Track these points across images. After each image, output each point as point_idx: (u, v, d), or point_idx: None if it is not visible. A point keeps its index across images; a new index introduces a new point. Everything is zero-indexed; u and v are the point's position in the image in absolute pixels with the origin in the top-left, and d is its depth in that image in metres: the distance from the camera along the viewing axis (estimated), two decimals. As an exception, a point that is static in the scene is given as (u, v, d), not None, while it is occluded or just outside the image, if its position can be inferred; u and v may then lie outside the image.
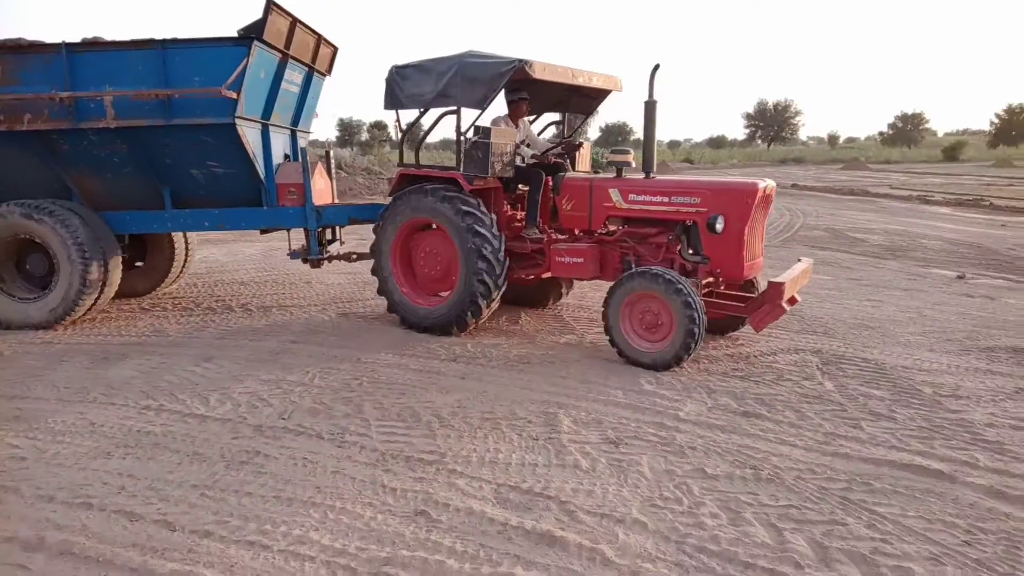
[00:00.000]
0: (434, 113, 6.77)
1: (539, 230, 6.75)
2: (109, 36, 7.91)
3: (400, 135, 7.17)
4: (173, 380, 5.46)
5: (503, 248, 6.43)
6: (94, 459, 4.08)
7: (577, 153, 7.36)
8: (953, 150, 53.26)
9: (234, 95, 6.41)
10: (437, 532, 3.29)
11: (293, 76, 7.60)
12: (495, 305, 6.63)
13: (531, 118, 7.89)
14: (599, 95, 7.56)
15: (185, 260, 8.83)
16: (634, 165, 6.49)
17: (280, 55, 7.08)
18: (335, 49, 8.39)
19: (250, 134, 6.88)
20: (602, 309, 5.89)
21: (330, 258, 7.77)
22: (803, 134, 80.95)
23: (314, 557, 3.07)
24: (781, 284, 5.55)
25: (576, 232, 6.72)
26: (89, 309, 7.09)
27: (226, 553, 3.10)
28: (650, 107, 6.05)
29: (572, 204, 6.58)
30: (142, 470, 3.93)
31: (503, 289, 6.56)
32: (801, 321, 7.18)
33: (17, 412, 4.84)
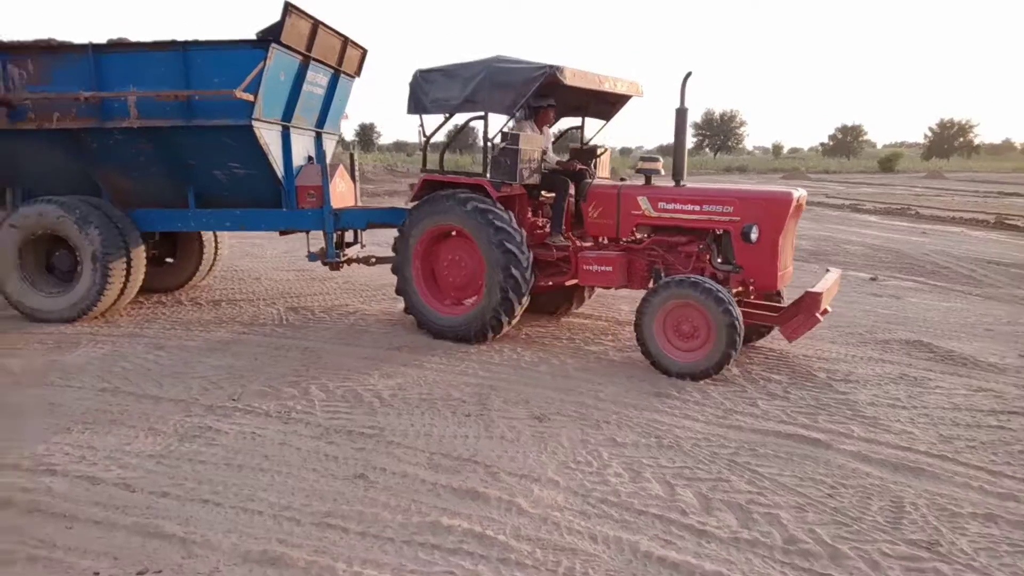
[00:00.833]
0: (459, 119, 6.81)
1: (564, 237, 6.71)
2: (140, 37, 7.99)
3: (424, 140, 7.14)
4: (127, 366, 5.73)
5: (531, 267, 6.33)
6: (55, 434, 4.37)
7: (597, 160, 7.27)
8: (889, 161, 55.61)
9: (250, 97, 6.48)
10: (374, 491, 3.71)
11: (317, 78, 7.64)
12: (516, 320, 6.56)
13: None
14: (619, 101, 7.50)
15: (215, 257, 8.96)
16: (663, 173, 6.41)
17: (301, 57, 7.12)
18: (364, 51, 8.38)
19: (268, 136, 6.94)
20: (635, 318, 5.77)
21: (348, 261, 7.80)
22: (749, 144, 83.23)
23: (263, 512, 3.46)
24: (818, 294, 5.53)
25: (601, 240, 6.64)
26: (113, 304, 7.24)
27: (182, 509, 3.47)
28: (681, 115, 5.98)
29: (599, 212, 6.45)
30: (100, 443, 4.25)
31: (525, 306, 6.51)
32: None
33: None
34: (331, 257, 7.53)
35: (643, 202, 6.23)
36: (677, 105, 5.96)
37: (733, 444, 4.35)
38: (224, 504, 3.52)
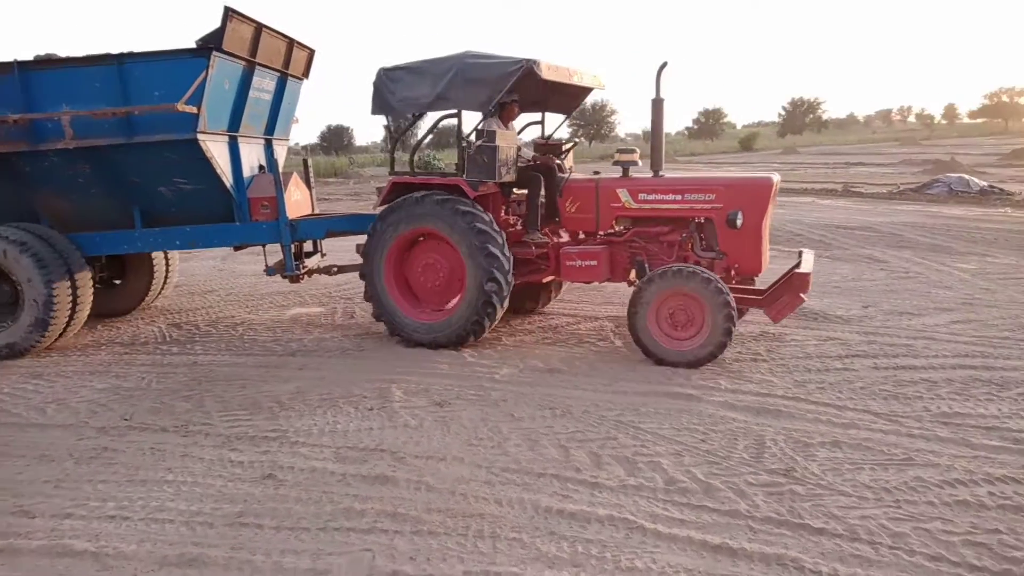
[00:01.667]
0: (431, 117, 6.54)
1: (541, 234, 6.57)
2: (80, 51, 7.31)
3: (391, 141, 6.77)
4: (3, 398, 5.48)
5: (511, 269, 6.17)
6: (-67, 473, 4.18)
7: (565, 153, 7.12)
8: (748, 141, 59.31)
9: (194, 109, 6.14)
10: (284, 488, 3.82)
11: (263, 84, 7.28)
12: (497, 323, 6.36)
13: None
14: (582, 93, 7.36)
15: (166, 276, 8.47)
16: (640, 164, 6.41)
17: (245, 63, 6.76)
18: (311, 52, 8.02)
19: (215, 148, 6.60)
20: (629, 309, 5.71)
21: (309, 272, 7.51)
22: (621, 131, 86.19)
23: (173, 520, 3.51)
24: (807, 275, 5.55)
25: (579, 234, 6.65)
26: (62, 333, 6.74)
27: (89, 527, 3.45)
28: (657, 105, 6.01)
29: (576, 206, 6.42)
30: (-12, 476, 4.10)
31: (505, 308, 6.32)
32: (602, 295, 8.27)
33: None
34: (289, 270, 7.19)
35: (623, 194, 6.21)
36: (653, 96, 5.99)
37: (619, 407, 4.76)
38: (133, 517, 3.53)
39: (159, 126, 6.31)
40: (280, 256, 7.20)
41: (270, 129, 7.76)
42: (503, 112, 6.60)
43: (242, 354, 6.45)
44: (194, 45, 6.26)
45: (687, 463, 3.91)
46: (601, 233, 6.47)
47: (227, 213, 7.03)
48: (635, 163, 6.35)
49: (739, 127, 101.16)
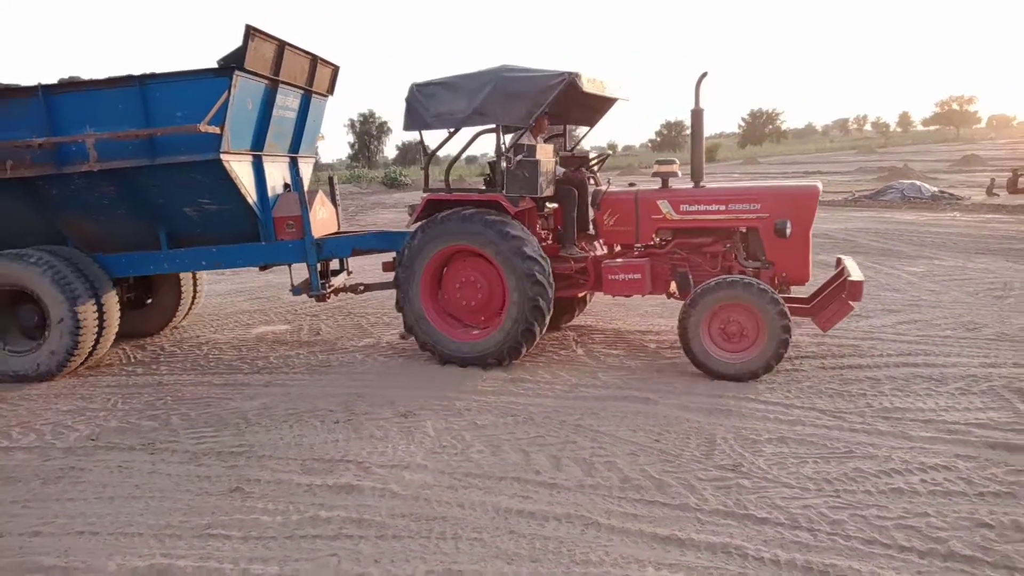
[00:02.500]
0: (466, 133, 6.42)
1: (579, 248, 6.51)
2: (100, 74, 7.03)
3: (427, 157, 6.76)
4: (-35, 423, 5.46)
5: (551, 276, 6.06)
6: None
7: (596, 166, 7.09)
8: (710, 152, 60.20)
9: (216, 130, 6.09)
10: (251, 500, 3.91)
11: (287, 102, 7.25)
12: (545, 328, 6.20)
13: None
14: (606, 105, 7.24)
15: (194, 295, 8.41)
16: (680, 175, 6.40)
17: (268, 81, 6.73)
18: (335, 68, 7.99)
19: (240, 168, 6.57)
20: (680, 320, 5.59)
21: (336, 291, 7.42)
22: (585, 144, 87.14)
23: (143, 533, 3.58)
24: (860, 283, 5.45)
25: (616, 247, 6.62)
26: (90, 355, 6.69)
27: (59, 543, 3.51)
28: (697, 115, 6.00)
29: (615, 219, 6.36)
30: (-47, 499, 4.12)
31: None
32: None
33: None
34: (316, 289, 7.09)
35: (664, 206, 6.16)
36: (692, 107, 6.00)
37: (578, 412, 4.93)
38: (102, 532, 3.60)
39: (182, 147, 6.29)
40: (306, 275, 7.14)
41: (295, 147, 7.74)
42: (535, 125, 6.45)
43: (207, 373, 6.49)
44: (216, 65, 6.23)
45: (642, 462, 4.10)
46: (639, 245, 6.44)
47: (253, 233, 7.00)
48: (675, 174, 6.34)
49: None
